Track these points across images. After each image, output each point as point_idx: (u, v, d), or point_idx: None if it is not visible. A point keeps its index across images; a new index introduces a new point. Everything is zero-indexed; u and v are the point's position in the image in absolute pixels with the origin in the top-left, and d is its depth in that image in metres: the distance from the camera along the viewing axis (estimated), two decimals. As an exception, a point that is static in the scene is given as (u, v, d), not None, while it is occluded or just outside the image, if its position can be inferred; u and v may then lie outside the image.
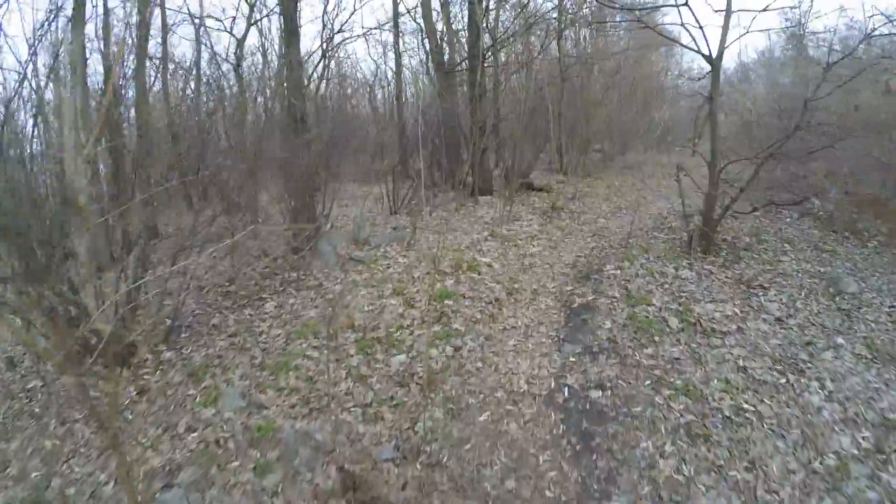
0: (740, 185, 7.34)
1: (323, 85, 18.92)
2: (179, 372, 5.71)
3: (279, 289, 7.67)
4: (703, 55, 7.37)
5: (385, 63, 21.56)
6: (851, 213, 8.82)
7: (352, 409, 4.59)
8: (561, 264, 7.36)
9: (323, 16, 15.93)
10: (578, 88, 15.75)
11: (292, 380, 5.11)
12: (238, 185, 10.27)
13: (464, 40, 13.65)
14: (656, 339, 5.12)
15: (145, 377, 5.72)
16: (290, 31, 9.81)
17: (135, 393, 5.46)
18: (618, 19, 15.34)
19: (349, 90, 19.75)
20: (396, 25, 16.80)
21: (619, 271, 6.58)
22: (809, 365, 4.91)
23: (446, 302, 5.90)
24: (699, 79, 9.96)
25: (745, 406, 4.33)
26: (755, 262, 7.23)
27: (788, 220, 9.50)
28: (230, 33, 10.75)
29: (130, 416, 5.14)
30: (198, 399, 5.18)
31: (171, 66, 11.84)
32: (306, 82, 9.76)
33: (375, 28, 16.17)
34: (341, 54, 29.24)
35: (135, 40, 10.44)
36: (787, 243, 8.25)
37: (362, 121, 18.75)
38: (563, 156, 15.38)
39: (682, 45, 7.35)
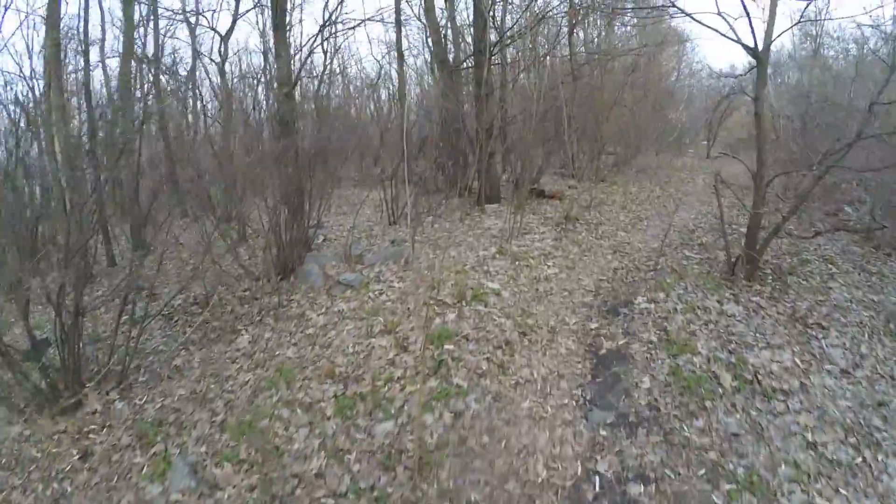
0: (791, 200, 6.16)
1: (317, 84, 17.89)
2: (129, 431, 4.70)
3: (256, 318, 6.64)
4: (745, 47, 6.22)
5: (389, 63, 20.46)
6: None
7: (322, 501, 3.51)
8: (581, 290, 6.23)
9: (324, 11, 14.85)
10: (591, 88, 14.57)
11: (254, 451, 4.04)
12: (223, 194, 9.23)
13: (469, 37, 12.55)
14: (707, 403, 3.99)
15: (91, 435, 4.73)
16: (278, 26, 8.72)
17: (77, 457, 4.49)
18: (638, 7, 14.11)
19: (350, 89, 18.71)
20: (399, 22, 15.70)
21: (652, 304, 5.44)
22: (885, 434, 3.84)
23: (446, 347, 4.79)
24: (740, 75, 8.76)
25: (819, 502, 3.23)
26: (804, 291, 6.09)
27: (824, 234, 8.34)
28: (213, 29, 9.69)
29: (70, 490, 4.16)
30: (144, 470, 4.19)
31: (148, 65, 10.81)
32: (294, 81, 8.66)
33: (370, 18, 14.91)
34: (344, 55, 28.21)
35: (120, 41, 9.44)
36: (831, 264, 7.11)
37: (363, 122, 17.71)
38: (575, 160, 14.21)
39: (724, 35, 6.16)
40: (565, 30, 13.10)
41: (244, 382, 5.26)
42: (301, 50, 9.60)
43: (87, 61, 11.92)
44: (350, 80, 20.40)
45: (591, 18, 17.11)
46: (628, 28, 18.20)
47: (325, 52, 18.58)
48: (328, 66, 18.83)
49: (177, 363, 5.93)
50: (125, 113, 11.10)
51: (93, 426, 4.80)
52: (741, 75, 8.85)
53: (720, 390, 4.11)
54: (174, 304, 7.77)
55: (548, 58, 11.61)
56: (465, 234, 9.05)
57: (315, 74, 17.99)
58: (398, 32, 15.65)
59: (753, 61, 6.36)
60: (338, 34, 14.98)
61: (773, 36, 6.20)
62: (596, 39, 16.18)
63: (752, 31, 6.09)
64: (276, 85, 8.86)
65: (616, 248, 8.02)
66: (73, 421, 4.81)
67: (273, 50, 8.90)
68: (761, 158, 6.08)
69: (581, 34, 16.21)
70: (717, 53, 50.95)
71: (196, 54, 10.72)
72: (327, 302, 6.68)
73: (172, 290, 8.17)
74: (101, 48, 11.59)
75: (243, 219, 9.26)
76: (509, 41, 10.89)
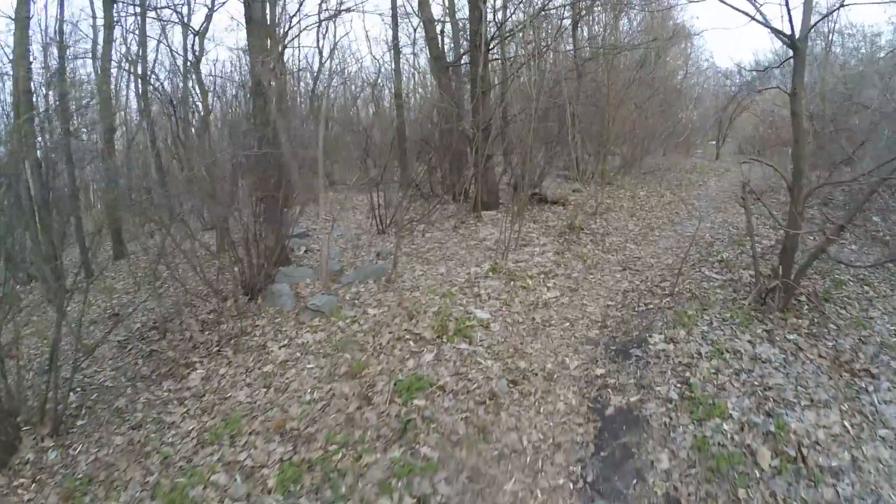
0: (836, 218, 5.15)
1: (313, 84, 16.96)
2: (56, 489, 3.87)
3: (214, 349, 5.73)
4: (780, 35, 5.21)
5: (390, 62, 19.45)
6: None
7: None
8: (586, 320, 5.25)
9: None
10: (597, 85, 13.52)
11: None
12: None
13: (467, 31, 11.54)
14: (741, 492, 3.02)
15: (20, 491, 3.96)
16: (252, 18, 7.77)
17: (1, 520, 3.67)
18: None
19: (345, 87, 17.78)
20: (395, 17, 14.71)
21: (671, 345, 4.45)
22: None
23: (416, 402, 3.84)
24: (767, 67, 7.68)
25: None
26: (844, 323, 5.06)
27: (853, 247, 7.30)
28: (187, 25, 8.77)
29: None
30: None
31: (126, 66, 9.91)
32: (270, 80, 7.71)
33: (351, 9, 13.85)
34: (345, 53, 27.27)
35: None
36: (867, 285, 6.08)
37: (361, 122, 16.76)
38: (579, 162, 13.18)
39: (757, 20, 5.14)
40: (567, 23, 12.06)
41: (187, 432, 4.37)
42: (284, 41, 8.66)
43: (63, 65, 11.09)
44: (351, 80, 19.46)
45: (596, 13, 16.05)
46: (634, 24, 17.09)
47: (320, 51, 17.74)
48: (324, 64, 17.96)
49: (120, 404, 5.06)
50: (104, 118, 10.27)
51: (23, 479, 3.99)
52: (769, 67, 7.71)
53: (756, 473, 3.13)
54: (132, 328, 6.92)
55: (550, 53, 10.57)
56: (457, 245, 8.10)
57: (298, 72, 17.10)
58: (394, 28, 14.67)
59: (761, 61, 5.34)
60: (321, 24, 14.01)
61: (812, 22, 5.19)
62: (602, 34, 15.08)
63: (790, 16, 5.08)
64: (249, 84, 7.94)
65: (625, 263, 7.03)
66: (5, 472, 4.00)
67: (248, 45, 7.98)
68: (799, 167, 5.06)
69: (585, 31, 15.12)
70: (722, 52, 49.26)
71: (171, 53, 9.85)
72: (293, 331, 5.76)
73: (141, 308, 7.32)
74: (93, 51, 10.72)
75: (221, 229, 8.35)
76: (508, 35, 9.88)
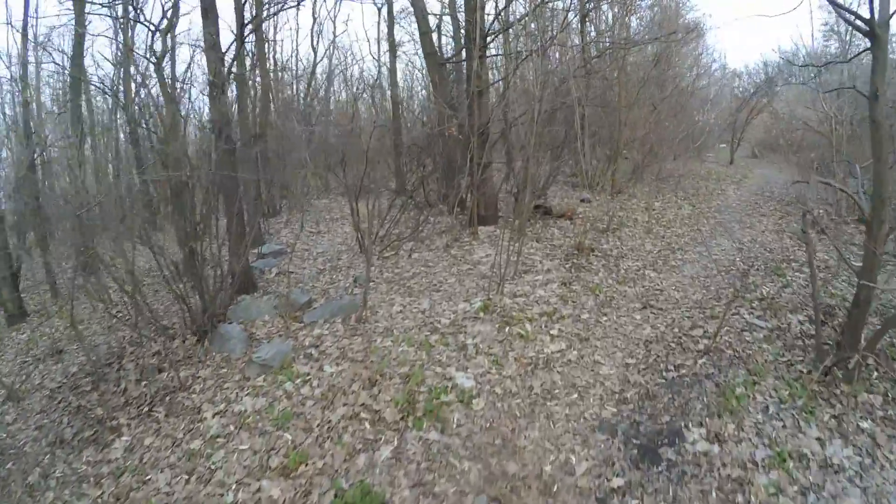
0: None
1: (306, 86, 15.76)
2: None
3: (146, 407, 4.56)
4: (855, 19, 3.88)
5: (386, 62, 18.16)
6: None
7: None
8: (599, 389, 3.94)
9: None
10: (608, 84, 12.15)
11: None
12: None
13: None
14: None
15: None
16: (207, 12, 6.52)
17: None
18: None
19: (337, 88, 16.56)
20: (391, 12, 13.43)
21: (715, 445, 3.14)
22: None
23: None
24: (836, 61, 6.28)
25: None
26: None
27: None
28: (145, 23, 7.53)
29: None
30: None
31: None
32: (225, 78, 6.47)
33: None
34: (345, 54, 25.94)
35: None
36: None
37: (356, 126, 15.52)
38: (588, 169, 11.84)
39: (835, 4, 3.81)
40: (570, 15, 10.68)
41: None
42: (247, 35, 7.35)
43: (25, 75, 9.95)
44: (351, 82, 18.21)
45: (604, 11, 14.65)
46: (644, 21, 15.63)
47: (314, 50, 16.51)
48: (318, 64, 16.73)
49: (33, 478, 3.95)
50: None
51: None
52: (831, 62, 6.30)
53: None
54: (69, 372, 5.76)
55: (556, 48, 9.24)
56: (448, 269, 6.81)
57: (293, 73, 15.92)
58: (390, 23, 13.41)
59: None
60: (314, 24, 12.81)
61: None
62: (612, 29, 13.66)
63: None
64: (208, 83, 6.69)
65: (646, 299, 5.70)
66: None
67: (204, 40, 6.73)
68: (882, 193, 3.71)
69: (593, 30, 13.71)
70: (731, 53, 47.38)
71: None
72: (234, 390, 4.53)
73: (92, 344, 6.15)
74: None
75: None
76: (508, 26, 8.56)
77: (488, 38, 8.03)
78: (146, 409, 4.63)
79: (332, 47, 20.71)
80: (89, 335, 6.83)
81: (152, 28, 7.81)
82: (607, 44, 10.22)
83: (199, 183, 5.47)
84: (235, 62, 7.49)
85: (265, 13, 8.45)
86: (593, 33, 13.50)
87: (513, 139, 9.74)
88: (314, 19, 16.16)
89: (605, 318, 5.12)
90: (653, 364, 4.23)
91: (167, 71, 7.73)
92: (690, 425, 3.30)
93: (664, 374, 4.04)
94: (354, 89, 17.82)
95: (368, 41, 31.29)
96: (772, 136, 25.34)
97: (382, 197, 9.11)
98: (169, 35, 8.64)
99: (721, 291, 5.86)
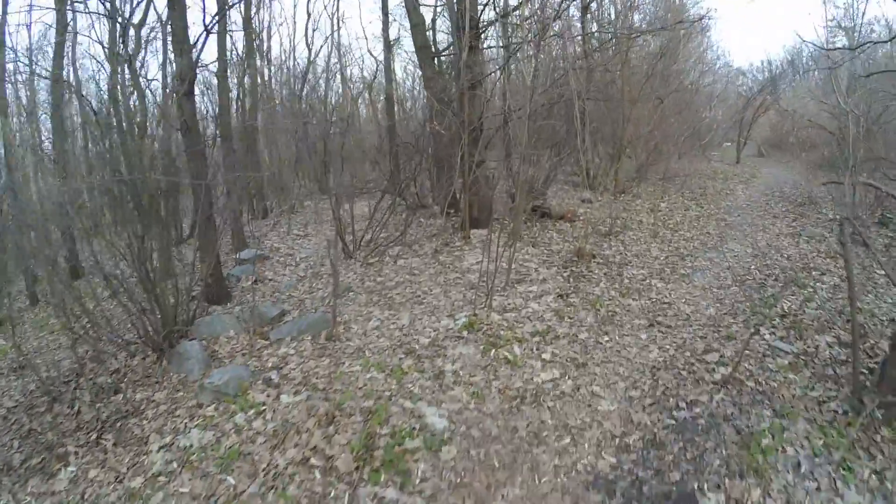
0: None
1: (300, 83, 15.12)
2: None
3: (96, 434, 3.98)
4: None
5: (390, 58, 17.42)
6: None
7: None
8: (596, 431, 3.27)
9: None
10: (611, 78, 11.44)
11: None
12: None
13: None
14: None
15: None
16: (172, 2, 5.90)
17: None
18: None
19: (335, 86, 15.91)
20: (385, 7, 12.77)
21: (744, 515, 2.49)
22: None
23: None
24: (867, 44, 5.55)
25: None
26: None
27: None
28: (114, 18, 6.91)
29: None
30: None
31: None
32: (191, 75, 5.82)
33: None
34: (346, 53, 25.20)
35: None
36: None
37: (352, 124, 14.89)
38: (590, 167, 11.15)
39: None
40: (571, 6, 9.99)
41: None
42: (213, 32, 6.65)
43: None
44: (350, 79, 17.53)
45: (607, 2, 13.95)
46: (647, 17, 14.86)
47: (308, 47, 15.88)
48: (313, 61, 16.10)
49: None
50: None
51: None
52: (869, 43, 5.58)
53: None
54: (27, 389, 5.17)
55: (555, 39, 8.55)
56: (434, 278, 6.17)
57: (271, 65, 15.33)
58: (384, 17, 12.75)
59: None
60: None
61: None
62: (615, 23, 12.94)
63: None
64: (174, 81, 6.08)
65: (652, 314, 5.03)
66: None
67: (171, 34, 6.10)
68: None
69: (594, 24, 12.97)
70: (732, 52, 46.36)
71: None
72: (184, 419, 3.92)
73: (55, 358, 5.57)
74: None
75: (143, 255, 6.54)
76: (503, 15, 7.88)
77: (483, 29, 7.37)
78: (95, 435, 4.05)
79: (330, 43, 20.10)
80: (55, 348, 6.26)
81: (122, 22, 7.20)
82: (610, 35, 9.51)
83: (146, 186, 4.83)
84: (223, 57, 6.83)
85: (231, 2, 7.77)
86: (595, 27, 12.80)
87: (511, 136, 9.07)
88: (308, 15, 15.53)
89: (605, 339, 4.46)
90: (661, 398, 3.57)
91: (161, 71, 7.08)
92: (706, 487, 2.64)
93: (674, 412, 3.37)
94: (352, 87, 17.20)
95: (367, 38, 30.51)
96: (778, 135, 24.58)
97: (371, 198, 8.50)
98: (143, 30, 8.05)
99: (737, 305, 5.18)
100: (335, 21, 23.15)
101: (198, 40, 6.10)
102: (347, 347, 4.57)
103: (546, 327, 4.56)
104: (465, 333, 4.48)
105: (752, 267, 6.42)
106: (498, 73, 8.70)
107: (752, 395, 3.53)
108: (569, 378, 3.82)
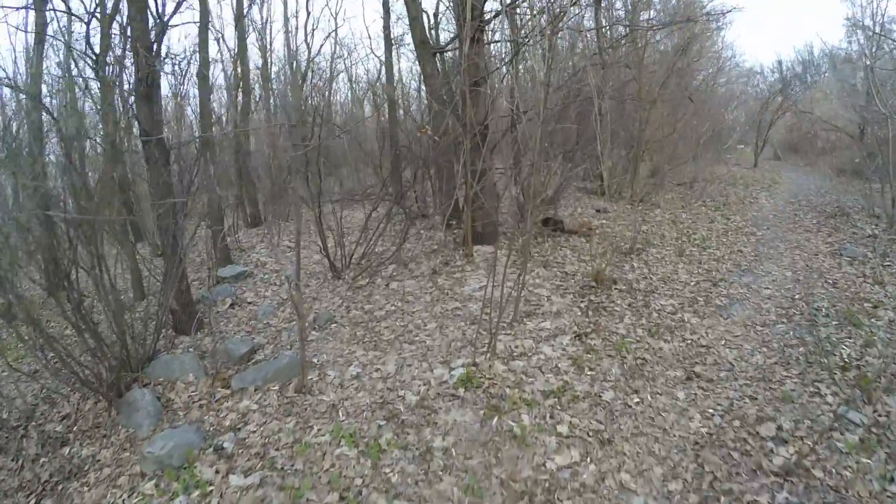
0: None
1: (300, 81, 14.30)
2: None
3: (34, 500, 3.20)
4: None
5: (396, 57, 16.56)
6: None
7: None
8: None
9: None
10: (628, 76, 10.50)
11: None
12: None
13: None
14: None
15: None
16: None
17: None
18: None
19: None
20: (386, 3, 11.89)
21: None
22: None
23: None
24: None
25: None
26: None
27: None
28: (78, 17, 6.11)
29: None
30: None
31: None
32: (149, 74, 4.97)
33: None
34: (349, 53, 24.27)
35: None
36: None
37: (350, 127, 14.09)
38: (605, 174, 10.24)
39: None
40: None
41: None
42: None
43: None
44: (352, 81, 16.67)
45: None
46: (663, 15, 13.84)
47: (308, 45, 15.01)
48: (312, 60, 15.25)
49: None
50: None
51: None
52: None
53: None
54: None
55: (569, 33, 7.65)
56: (429, 308, 5.33)
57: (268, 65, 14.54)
58: (386, 14, 11.87)
59: None
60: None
61: None
62: (630, 17, 11.97)
63: None
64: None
65: (689, 362, 4.16)
66: None
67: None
68: None
69: (605, 21, 12.00)
70: (746, 51, 44.89)
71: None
72: (122, 493, 3.14)
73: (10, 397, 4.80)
74: None
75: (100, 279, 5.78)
76: (510, 4, 6.97)
77: (488, 20, 6.49)
78: (34, 500, 3.30)
79: (334, 43, 19.22)
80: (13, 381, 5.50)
81: (86, 19, 6.39)
82: (625, 29, 8.58)
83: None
84: (204, 55, 5.99)
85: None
86: (606, 21, 11.82)
87: (519, 140, 8.18)
88: (308, 13, 14.70)
89: (635, 399, 3.59)
90: (708, 495, 2.71)
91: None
92: None
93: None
94: (354, 88, 16.34)
95: (371, 38, 29.57)
96: (796, 137, 23.49)
97: (373, 205, 7.66)
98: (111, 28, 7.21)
99: (788, 350, 4.29)
100: (337, 20, 22.24)
101: (161, 32, 5.27)
102: (319, 403, 3.75)
103: (562, 384, 3.70)
104: (461, 391, 3.64)
105: (796, 295, 5.52)
106: (504, 69, 7.81)
107: (822, 492, 2.67)
108: (591, 462, 2.97)
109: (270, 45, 14.57)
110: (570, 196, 10.45)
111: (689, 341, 4.45)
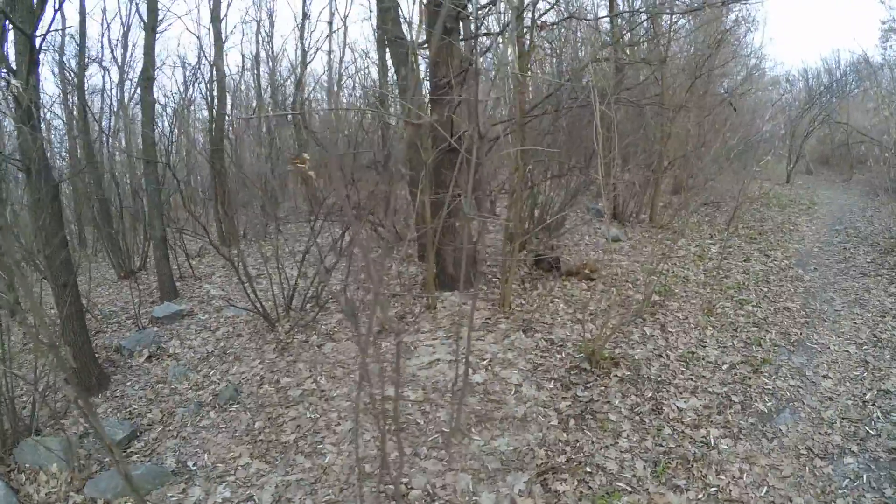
0: None
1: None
2: None
3: None
4: None
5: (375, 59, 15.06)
6: None
7: None
8: None
9: None
10: (647, 79, 8.71)
11: None
12: None
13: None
14: None
15: None
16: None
17: None
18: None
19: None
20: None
21: None
22: None
23: None
24: None
25: None
26: None
27: None
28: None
29: None
30: None
31: None
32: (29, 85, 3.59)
33: None
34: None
35: None
36: None
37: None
38: (616, 194, 8.53)
39: None
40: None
41: None
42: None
43: None
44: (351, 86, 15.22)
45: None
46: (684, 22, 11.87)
47: (304, 49, 13.63)
48: (308, 64, 13.91)
49: None
50: None
51: None
52: None
53: None
54: None
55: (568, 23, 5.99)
56: (352, 398, 3.78)
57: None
58: (380, 12, 10.35)
59: None
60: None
61: None
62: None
63: None
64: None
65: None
66: None
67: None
68: None
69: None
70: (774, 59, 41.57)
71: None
72: None
73: None
74: None
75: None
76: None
77: (463, 5, 4.89)
78: None
79: (330, 44, 17.81)
80: None
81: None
82: (647, 13, 6.84)
83: None
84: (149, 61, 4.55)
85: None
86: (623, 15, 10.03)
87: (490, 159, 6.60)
88: (305, 14, 13.32)
89: None
90: None
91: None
92: None
93: None
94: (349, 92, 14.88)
95: (367, 42, 27.90)
96: (828, 149, 21.26)
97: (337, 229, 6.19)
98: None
99: (868, 484, 2.63)
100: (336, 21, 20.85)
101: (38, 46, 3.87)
102: None
103: None
104: None
105: (868, 393, 3.80)
106: (488, 69, 6.20)
107: None
108: None
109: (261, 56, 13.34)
110: (577, 217, 8.80)
111: (712, 488, 2.81)
